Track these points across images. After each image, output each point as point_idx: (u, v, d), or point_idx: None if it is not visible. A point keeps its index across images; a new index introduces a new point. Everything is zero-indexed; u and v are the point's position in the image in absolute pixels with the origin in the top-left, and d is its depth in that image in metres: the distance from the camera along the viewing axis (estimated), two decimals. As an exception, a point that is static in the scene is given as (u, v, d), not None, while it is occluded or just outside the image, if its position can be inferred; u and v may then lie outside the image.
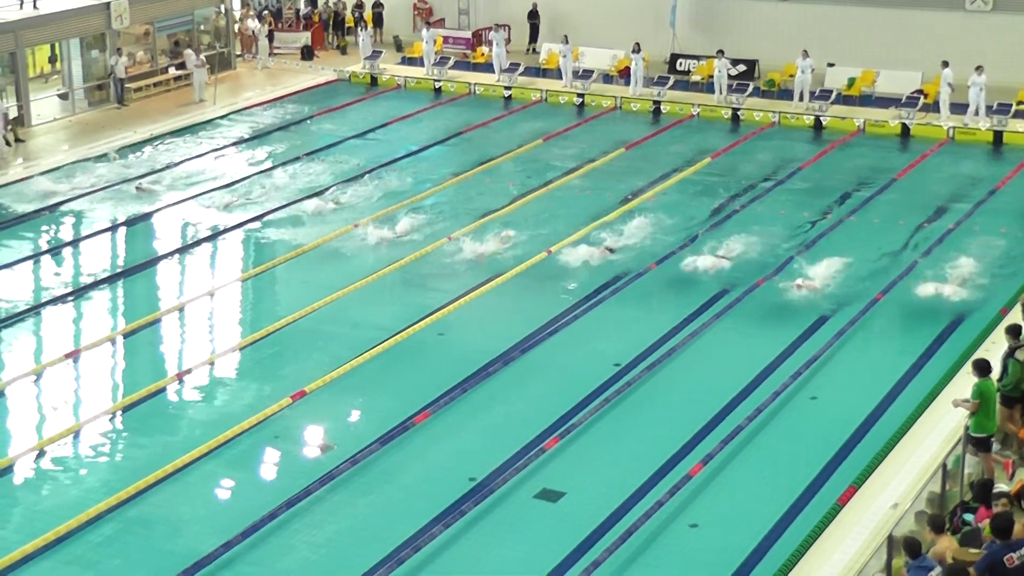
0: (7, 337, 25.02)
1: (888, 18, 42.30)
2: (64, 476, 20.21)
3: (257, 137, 38.32)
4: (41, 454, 20.68)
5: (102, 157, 35.32)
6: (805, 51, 39.76)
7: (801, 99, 39.78)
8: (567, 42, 42.95)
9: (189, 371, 23.41)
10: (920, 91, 39.25)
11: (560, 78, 43.17)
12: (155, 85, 42.83)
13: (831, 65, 41.35)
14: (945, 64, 37.84)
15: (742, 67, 42.02)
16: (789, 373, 22.89)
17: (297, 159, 35.82)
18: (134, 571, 17.57)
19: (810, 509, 18.84)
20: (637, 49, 41.59)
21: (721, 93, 40.70)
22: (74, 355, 24.05)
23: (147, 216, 31.01)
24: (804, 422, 21.59)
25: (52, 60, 41.11)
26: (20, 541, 18.04)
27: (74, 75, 40.55)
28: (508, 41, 44.72)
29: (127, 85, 41.35)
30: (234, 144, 37.58)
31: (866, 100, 40.40)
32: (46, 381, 23.36)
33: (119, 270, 28.18)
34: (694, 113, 40.45)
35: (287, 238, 29.65)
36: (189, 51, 42.75)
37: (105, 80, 40.86)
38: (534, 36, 46.84)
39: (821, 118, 39.10)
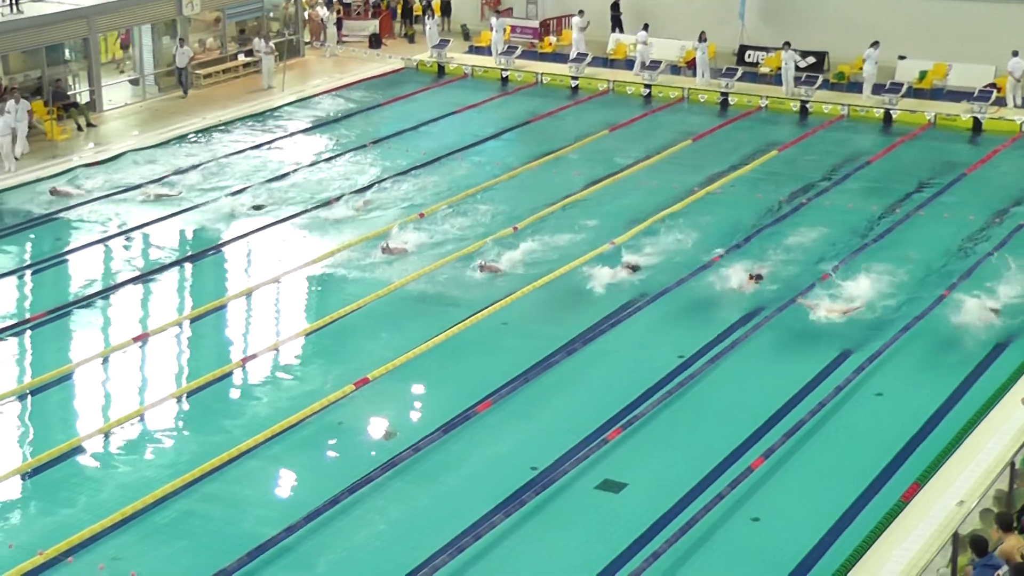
0: (79, 318, 25.37)
1: (961, 11, 41.78)
2: (131, 458, 20.45)
3: (324, 124, 38.53)
4: (109, 436, 20.95)
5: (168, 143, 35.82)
6: (875, 42, 39.40)
7: (874, 92, 39.39)
8: (647, 29, 42.78)
9: (254, 356, 23.59)
10: (993, 85, 38.80)
11: (629, 68, 43.07)
12: (224, 72, 43.17)
13: (902, 58, 40.93)
14: (1015, 53, 37.36)
15: (811, 59, 41.72)
16: (853, 368, 22.73)
17: (363, 147, 35.99)
18: (199, 552, 17.72)
19: (873, 505, 18.71)
20: (703, 38, 41.40)
21: (788, 85, 40.41)
22: (142, 338, 24.32)
23: (212, 202, 31.25)
24: (868, 418, 21.42)
25: (124, 46, 41.56)
26: (89, 520, 18.30)
27: (145, 61, 40.96)
28: (586, 27, 44.44)
29: (196, 71, 41.76)
30: (301, 131, 37.80)
31: (937, 94, 39.95)
32: (115, 364, 23.64)
33: (187, 254, 28.43)
34: (762, 105, 40.22)
35: (353, 225, 29.81)
36: (258, 38, 43.05)
37: (173, 66, 41.23)
38: (617, 26, 46.49)
39: (891, 111, 38.75)
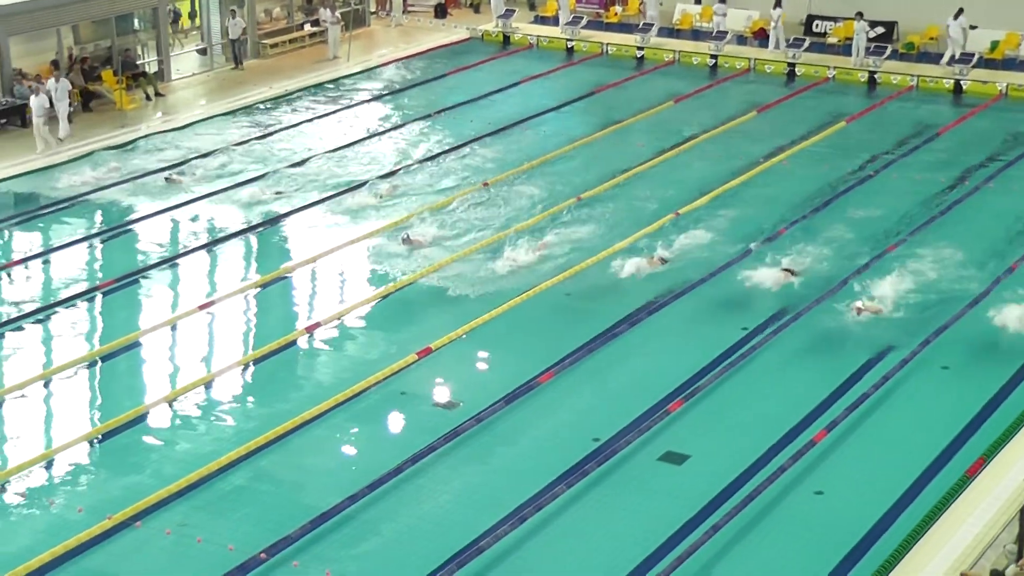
0: (146, 287, 25.63)
1: (1034, -21, 41.13)
2: (197, 425, 20.65)
3: (389, 94, 38.60)
4: (175, 403, 21.16)
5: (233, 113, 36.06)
6: (960, 9, 38.80)
7: (951, 62, 38.85)
8: (724, 1, 42.45)
9: (317, 325, 23.73)
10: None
11: (695, 38, 42.79)
12: (290, 42, 43.34)
13: (973, 27, 40.28)
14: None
15: (880, 29, 41.19)
16: (919, 341, 22.52)
17: (428, 116, 36.03)
18: (262, 520, 17.86)
19: (938, 480, 18.55)
20: (778, 3, 41.00)
21: (859, 56, 39.96)
22: (207, 306, 24.54)
23: (276, 172, 31.41)
24: (934, 391, 21.25)
25: (192, 16, 41.80)
26: (154, 487, 18.48)
27: (213, 31, 41.19)
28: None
29: (263, 41, 41.98)
30: (367, 101, 37.90)
31: (1009, 64, 39.34)
32: (180, 332, 23.87)
33: (252, 224, 28.58)
34: (829, 76, 39.82)
35: (418, 195, 29.86)
36: (324, 8, 43.14)
37: (244, 36, 41.46)
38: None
39: (961, 82, 38.22)
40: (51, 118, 33.01)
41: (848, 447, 19.60)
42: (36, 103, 32.54)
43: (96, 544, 17.32)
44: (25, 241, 27.87)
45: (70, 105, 34.13)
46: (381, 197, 29.60)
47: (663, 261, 25.63)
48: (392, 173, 31.31)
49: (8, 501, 18.40)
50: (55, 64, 36.14)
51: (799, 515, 17.93)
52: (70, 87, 33.97)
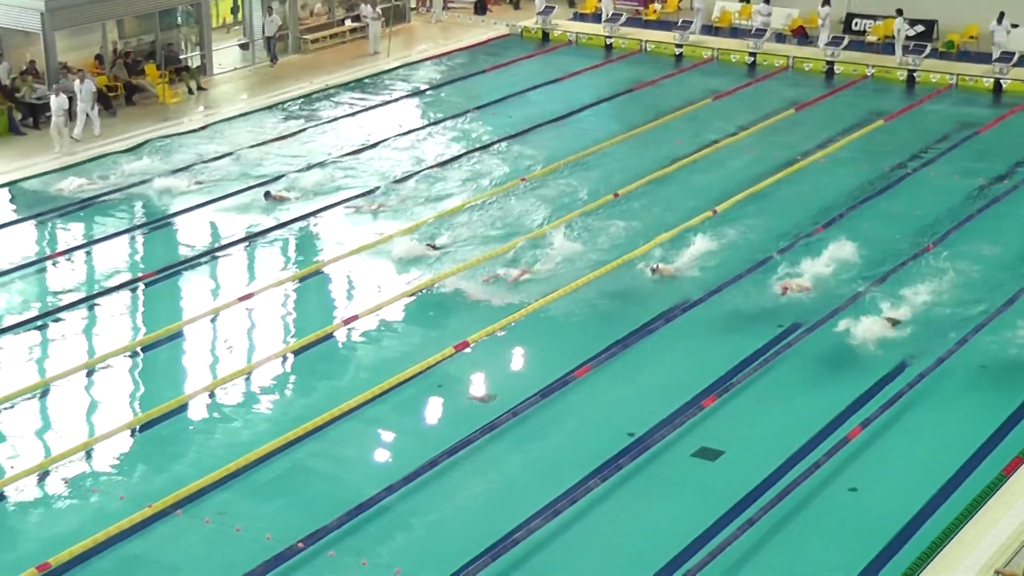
0: (186, 279, 25.81)
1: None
2: (236, 416, 20.80)
3: (429, 90, 38.70)
4: (214, 394, 21.35)
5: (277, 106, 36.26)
6: (1002, 13, 38.61)
7: (983, 62, 38.63)
8: (768, 1, 42.39)
9: (356, 318, 23.86)
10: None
11: (734, 36, 42.71)
12: (331, 37, 43.50)
13: (1015, 26, 40.02)
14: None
15: (920, 28, 40.99)
16: (956, 340, 22.46)
17: (467, 112, 36.10)
18: (300, 510, 17.99)
19: (974, 478, 18.53)
20: (826, 2, 40.94)
21: (899, 53, 39.78)
22: (246, 299, 24.73)
23: (319, 165, 31.58)
24: (970, 389, 21.19)
25: (234, 11, 42.00)
26: (194, 476, 18.66)
27: (255, 26, 41.39)
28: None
29: (304, 36, 42.19)
30: (406, 96, 38.00)
31: (1050, 63, 39.13)
32: (221, 323, 24.06)
33: (290, 219, 28.69)
34: (868, 74, 39.66)
35: (457, 190, 29.97)
36: (365, 4, 43.28)
37: (285, 31, 41.66)
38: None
39: (1001, 81, 37.99)
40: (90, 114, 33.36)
41: (883, 445, 19.58)
42: (56, 103, 32.37)
43: (137, 531, 17.49)
44: (72, 232, 28.13)
45: (103, 103, 34.38)
46: (419, 192, 29.75)
47: (697, 259, 25.63)
48: (430, 168, 31.43)
49: (52, 488, 18.63)
50: (99, 58, 36.47)
51: (833, 511, 17.94)
52: (94, 88, 33.74)
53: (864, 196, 29.47)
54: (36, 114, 33.99)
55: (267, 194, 29.39)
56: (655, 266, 25.15)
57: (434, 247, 26.45)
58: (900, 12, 39.90)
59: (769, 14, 42.18)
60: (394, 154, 32.58)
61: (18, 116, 33.86)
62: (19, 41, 35.54)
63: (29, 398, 21.06)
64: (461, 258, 26.03)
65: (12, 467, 19.03)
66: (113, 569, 16.87)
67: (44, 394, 21.28)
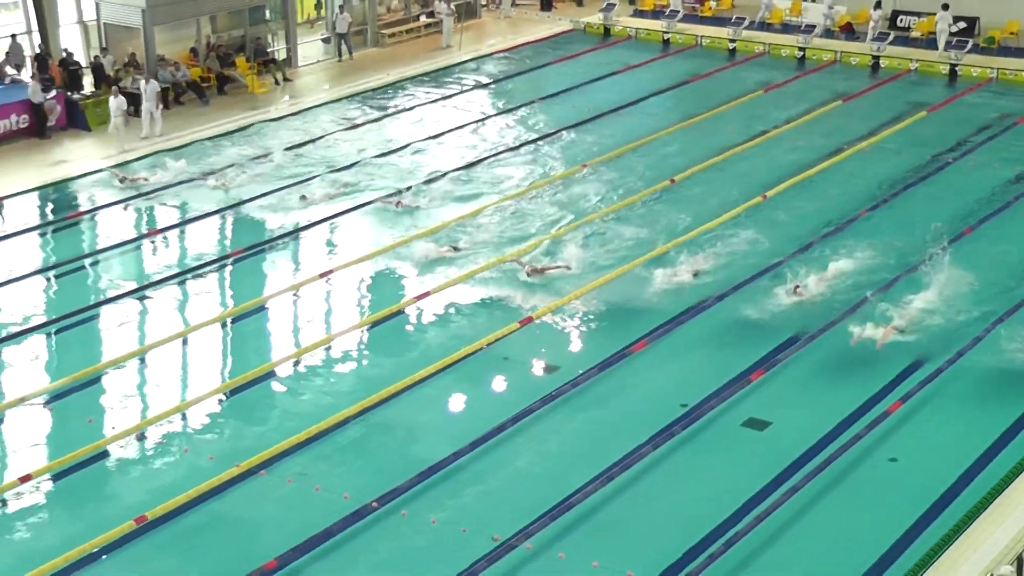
0: (271, 257, 25.98)
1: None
2: (317, 383, 20.95)
3: (498, 81, 38.63)
4: (297, 362, 21.49)
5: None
6: None
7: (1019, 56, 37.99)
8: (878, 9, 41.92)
9: (427, 295, 23.87)
10: None
11: (785, 32, 42.30)
12: (407, 32, 43.53)
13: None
14: None
15: (962, 24, 40.32)
16: (994, 318, 22.15)
17: (532, 102, 36.02)
18: (375, 471, 18.11)
19: (1012, 447, 18.33)
20: (878, 5, 40.48)
21: (941, 48, 39.18)
22: (327, 275, 24.83)
23: (397, 151, 31.62)
24: (1008, 365, 20.83)
25: (317, 7, 42.14)
26: (278, 438, 18.83)
27: (335, 21, 41.47)
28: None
29: (382, 31, 42.24)
30: (476, 87, 37.96)
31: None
32: (303, 298, 24.18)
33: (370, 199, 28.76)
34: (912, 68, 39.11)
35: (523, 174, 29.93)
36: (439, 1, 43.24)
37: (363, 27, 41.71)
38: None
39: (1039, 75, 37.40)
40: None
41: (922, 417, 19.37)
42: (114, 104, 31.88)
43: (225, 489, 17.70)
44: (166, 212, 28.38)
45: (196, 92, 34.65)
46: (488, 174, 29.76)
47: (747, 243, 25.47)
48: (497, 154, 31.40)
49: (148, 448, 18.88)
50: (194, 51, 36.73)
51: (874, 480, 17.79)
52: (158, 89, 33.28)
53: (908, 182, 29.12)
54: (136, 102, 34.28)
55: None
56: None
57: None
58: (946, 7, 39.27)
59: (832, 7, 41.71)
60: (462, 141, 32.53)
61: (119, 104, 34.22)
62: (122, 36, 35.91)
63: (126, 365, 21.35)
64: (526, 239, 25.98)
65: (114, 428, 19.33)
66: (203, 523, 17.06)
67: (143, 360, 21.58)
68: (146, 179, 29.56)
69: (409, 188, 28.97)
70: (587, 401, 20.07)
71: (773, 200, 27.94)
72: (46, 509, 17.57)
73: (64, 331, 22.70)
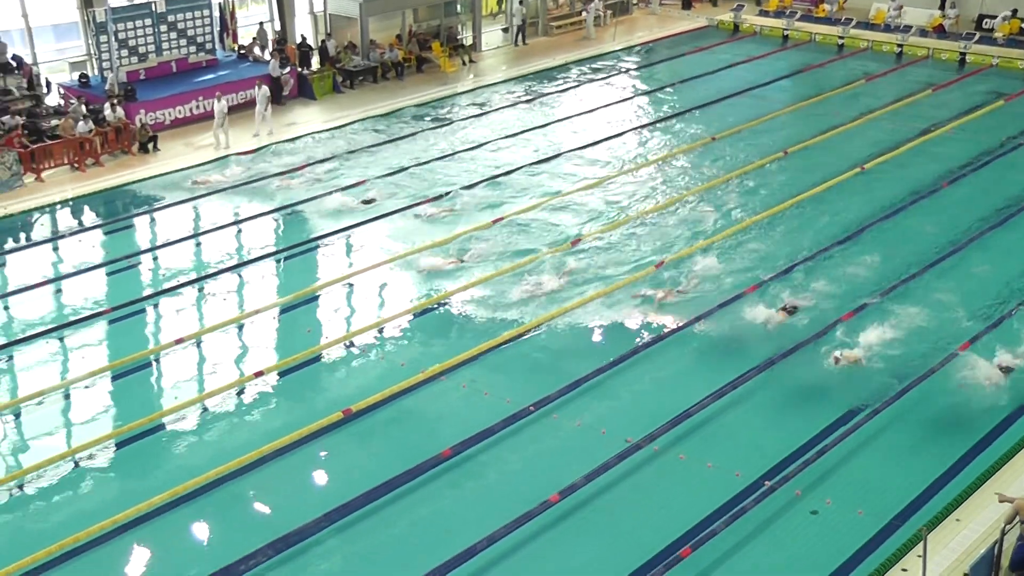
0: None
1: None
2: (489, 307, 20.45)
3: (641, 68, 37.92)
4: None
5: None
6: None
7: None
8: (955, 7, 39.99)
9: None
10: None
11: (887, 31, 40.60)
12: (571, 24, 42.97)
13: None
14: None
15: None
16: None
17: (671, 85, 35.28)
18: (534, 383, 17.89)
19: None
20: (947, 5, 38.52)
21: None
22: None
23: (542, 127, 30.82)
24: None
25: (499, 2, 41.90)
26: (457, 351, 18.84)
27: (513, 15, 41.19)
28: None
29: (550, 23, 41.82)
30: (624, 72, 37.32)
31: None
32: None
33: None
34: (994, 63, 37.17)
35: (656, 148, 29.27)
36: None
37: (535, 19, 41.33)
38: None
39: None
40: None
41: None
42: (218, 108, 28.51)
43: (414, 389, 17.84)
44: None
45: (396, 71, 34.43)
46: (614, 150, 29.26)
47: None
48: (638, 128, 30.84)
49: (354, 353, 19.01)
50: (399, 37, 36.85)
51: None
52: (268, 93, 29.78)
53: (985, 160, 27.78)
54: (352, 79, 34.62)
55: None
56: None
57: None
58: (1015, 12, 37.21)
59: (954, 6, 39.90)
60: (608, 118, 31.81)
61: (339, 79, 34.53)
62: (342, 24, 36.24)
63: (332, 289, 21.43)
64: (659, 198, 25.45)
65: (327, 337, 19.55)
66: (394, 416, 17.26)
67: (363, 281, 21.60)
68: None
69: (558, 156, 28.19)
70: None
71: (871, 171, 26.78)
72: (273, 398, 17.80)
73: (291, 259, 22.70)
